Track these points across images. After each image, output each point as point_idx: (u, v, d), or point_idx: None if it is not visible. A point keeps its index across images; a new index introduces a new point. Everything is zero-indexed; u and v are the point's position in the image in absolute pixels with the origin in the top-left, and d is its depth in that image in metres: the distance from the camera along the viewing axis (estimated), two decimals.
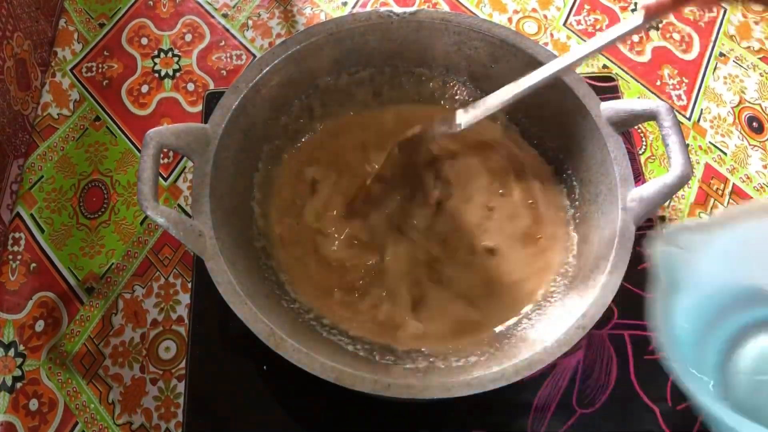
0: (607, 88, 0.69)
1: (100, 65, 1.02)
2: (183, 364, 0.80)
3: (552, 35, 1.06)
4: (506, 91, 0.52)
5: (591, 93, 0.54)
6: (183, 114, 0.98)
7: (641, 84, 1.02)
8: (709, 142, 0.98)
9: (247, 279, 0.48)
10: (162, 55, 1.03)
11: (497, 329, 0.53)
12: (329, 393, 0.45)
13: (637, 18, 0.46)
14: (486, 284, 0.55)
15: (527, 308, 0.54)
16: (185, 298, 0.84)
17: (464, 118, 0.53)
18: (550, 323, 0.49)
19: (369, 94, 0.63)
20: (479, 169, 0.60)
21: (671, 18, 1.08)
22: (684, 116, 1.00)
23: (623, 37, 0.47)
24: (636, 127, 0.95)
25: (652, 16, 0.45)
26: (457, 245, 0.57)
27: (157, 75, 1.01)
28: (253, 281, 0.50)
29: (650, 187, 0.48)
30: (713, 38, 1.07)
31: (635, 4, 1.10)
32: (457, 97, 0.63)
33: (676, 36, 1.07)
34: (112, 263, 0.87)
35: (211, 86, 1.00)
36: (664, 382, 0.57)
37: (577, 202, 0.56)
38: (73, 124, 0.97)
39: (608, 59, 1.04)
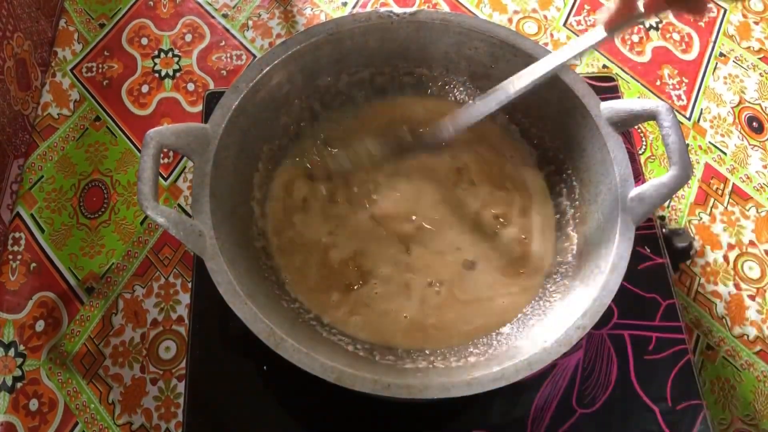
0: (607, 88, 0.69)
1: (101, 65, 1.02)
2: (183, 364, 0.80)
3: (552, 35, 1.06)
4: (504, 90, 0.53)
5: (591, 93, 0.54)
6: (183, 114, 0.98)
7: (641, 84, 1.02)
8: (709, 142, 0.98)
9: (247, 279, 0.48)
10: (162, 55, 1.03)
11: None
12: (329, 393, 0.45)
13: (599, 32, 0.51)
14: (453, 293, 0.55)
15: (503, 326, 0.54)
16: (185, 298, 0.85)
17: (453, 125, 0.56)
18: (550, 323, 0.49)
19: (369, 95, 0.63)
20: (492, 192, 0.60)
21: (671, 18, 1.08)
22: (684, 116, 1.00)
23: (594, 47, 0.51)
24: (636, 127, 0.95)
25: (614, 30, 0.51)
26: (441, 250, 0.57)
27: (157, 75, 1.01)
28: (253, 281, 0.50)
29: (650, 187, 0.48)
30: (713, 38, 1.07)
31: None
32: (457, 98, 0.63)
33: (676, 36, 1.07)
34: (112, 263, 0.87)
35: (211, 86, 1.00)
36: (664, 382, 0.57)
37: (577, 202, 0.56)
38: (73, 124, 0.97)
39: (608, 59, 1.04)
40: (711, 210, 0.92)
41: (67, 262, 0.86)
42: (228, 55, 1.03)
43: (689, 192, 0.94)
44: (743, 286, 0.87)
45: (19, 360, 0.80)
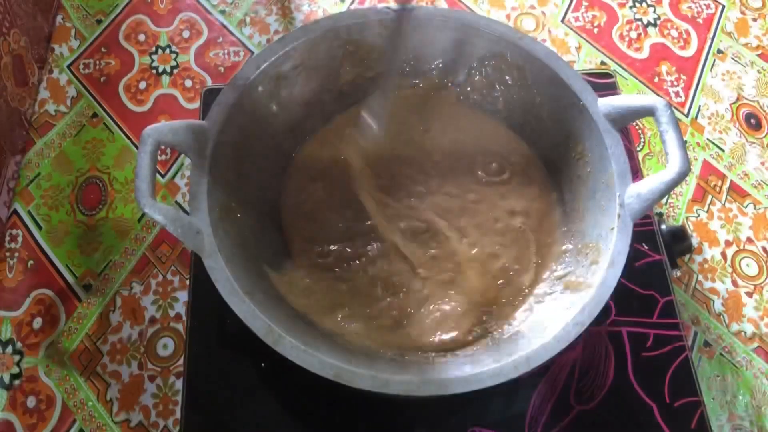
0: (604, 84, 0.69)
1: (98, 62, 1.02)
2: (181, 361, 0.80)
3: (550, 32, 1.06)
4: None
5: (588, 89, 0.54)
6: (181, 110, 0.98)
7: (639, 80, 1.02)
8: (707, 139, 0.98)
9: (245, 276, 0.48)
10: (159, 51, 1.03)
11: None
12: (328, 389, 0.45)
13: None
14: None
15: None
16: (183, 295, 0.84)
17: None
18: (548, 319, 0.49)
19: (366, 91, 0.63)
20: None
21: (669, 15, 1.08)
22: (682, 113, 1.00)
23: None
24: (634, 124, 0.95)
25: None
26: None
27: (154, 71, 1.01)
28: (251, 278, 0.50)
29: (648, 184, 0.48)
30: (711, 35, 1.07)
31: (633, 0, 1.10)
32: (455, 94, 0.63)
33: (674, 33, 1.07)
34: (110, 260, 0.87)
35: (209, 83, 1.00)
36: (661, 379, 0.57)
37: (574, 199, 0.56)
38: (71, 120, 0.97)
39: (606, 56, 1.04)
40: (709, 207, 0.92)
41: (64, 260, 0.86)
42: (225, 51, 1.03)
43: (687, 189, 0.94)
44: (741, 283, 0.87)
45: (17, 357, 0.80)
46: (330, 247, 0.56)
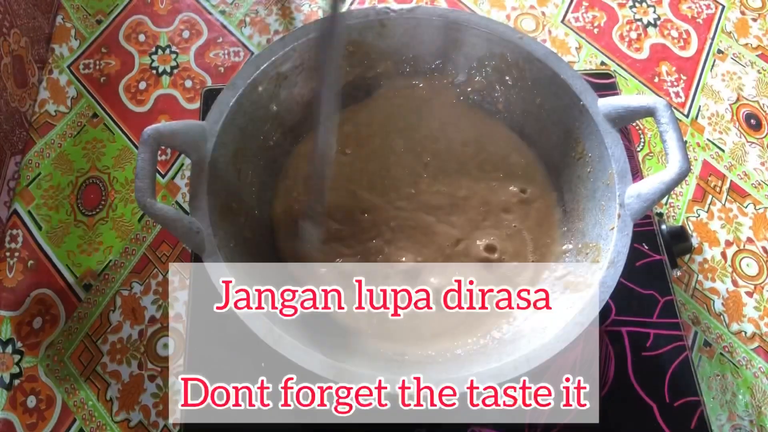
0: (605, 84, 0.69)
1: (98, 62, 1.02)
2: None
3: (550, 32, 1.06)
4: None
5: (588, 89, 0.54)
6: (181, 111, 0.98)
7: (639, 81, 1.02)
8: (707, 139, 0.98)
9: (245, 276, 0.48)
10: (159, 51, 1.03)
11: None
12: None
13: None
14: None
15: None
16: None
17: None
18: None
19: (367, 91, 0.63)
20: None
21: (669, 15, 1.08)
22: (682, 113, 1.00)
23: None
24: (634, 124, 0.95)
25: None
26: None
27: (154, 72, 1.01)
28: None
29: (648, 184, 0.48)
30: (711, 35, 1.07)
31: (633, 0, 1.10)
32: (455, 94, 0.63)
33: (674, 33, 1.07)
34: (110, 260, 0.87)
35: (209, 83, 1.00)
36: (661, 379, 0.57)
37: (574, 199, 0.56)
38: (71, 120, 0.97)
39: (606, 56, 1.04)
40: (709, 207, 0.92)
41: (64, 259, 0.86)
42: (225, 51, 1.03)
43: (687, 189, 0.94)
44: (741, 282, 0.87)
45: (17, 357, 0.80)
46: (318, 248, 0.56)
